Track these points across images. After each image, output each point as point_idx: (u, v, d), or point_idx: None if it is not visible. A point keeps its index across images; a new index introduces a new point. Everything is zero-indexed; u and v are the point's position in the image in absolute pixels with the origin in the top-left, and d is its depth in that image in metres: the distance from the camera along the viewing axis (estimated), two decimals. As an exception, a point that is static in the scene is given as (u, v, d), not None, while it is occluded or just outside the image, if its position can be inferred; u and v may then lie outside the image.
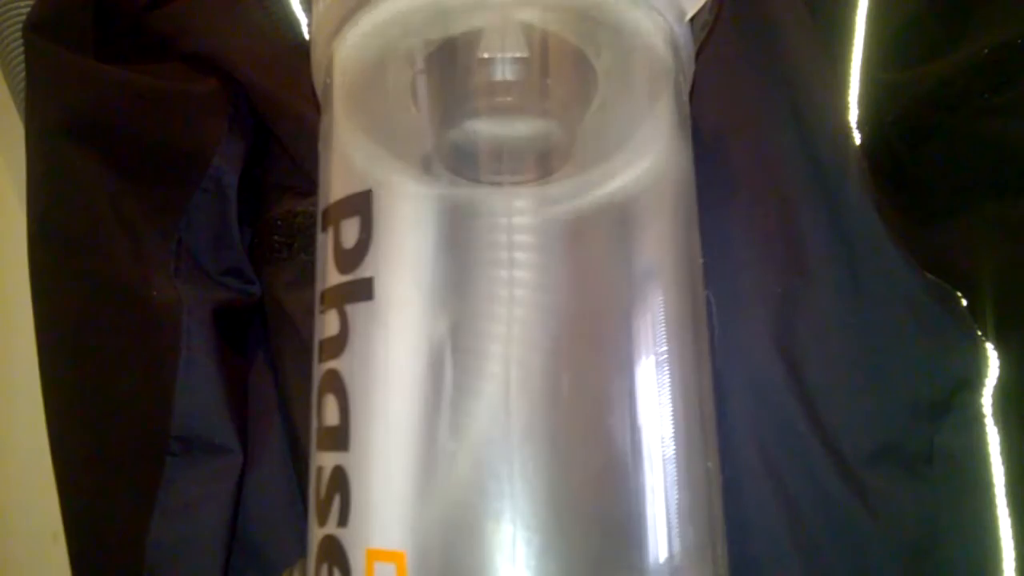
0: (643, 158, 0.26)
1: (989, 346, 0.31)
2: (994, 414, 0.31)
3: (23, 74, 0.38)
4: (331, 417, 0.24)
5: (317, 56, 0.29)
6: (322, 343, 0.25)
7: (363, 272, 0.24)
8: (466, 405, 0.22)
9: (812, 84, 0.34)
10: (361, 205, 0.24)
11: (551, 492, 0.21)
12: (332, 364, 0.24)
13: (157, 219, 0.35)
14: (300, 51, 0.31)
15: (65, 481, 0.33)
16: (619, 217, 0.25)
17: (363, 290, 0.24)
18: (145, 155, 0.36)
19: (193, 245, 0.36)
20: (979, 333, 0.31)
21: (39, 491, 0.38)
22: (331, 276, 0.25)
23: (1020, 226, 0.31)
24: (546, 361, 0.23)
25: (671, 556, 0.22)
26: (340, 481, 0.23)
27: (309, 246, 0.35)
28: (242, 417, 0.35)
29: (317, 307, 0.26)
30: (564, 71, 0.26)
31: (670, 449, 0.23)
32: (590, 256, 0.24)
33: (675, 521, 0.23)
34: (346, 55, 0.27)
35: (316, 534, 0.24)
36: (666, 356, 0.24)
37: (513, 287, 0.23)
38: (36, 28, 0.36)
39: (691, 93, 0.29)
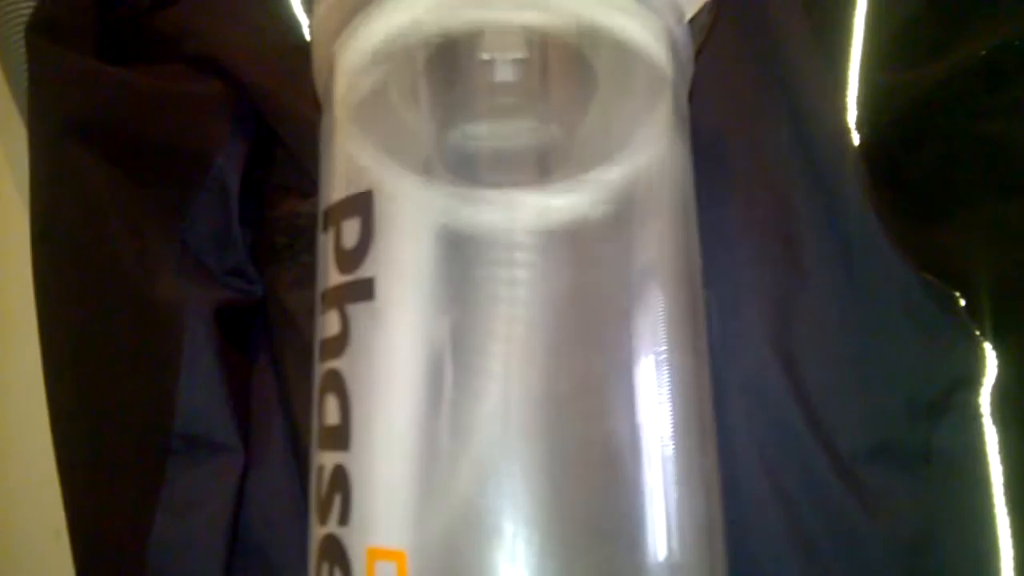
0: (642, 159, 0.26)
1: (987, 345, 0.31)
2: (992, 413, 0.31)
3: (26, 75, 0.38)
4: (332, 416, 0.24)
5: (318, 57, 0.29)
6: (323, 343, 0.25)
7: (364, 272, 0.24)
8: (466, 404, 0.22)
9: (810, 85, 0.34)
10: (362, 206, 0.24)
11: (551, 491, 0.22)
12: (333, 364, 0.24)
13: (160, 219, 0.36)
14: (301, 52, 0.31)
15: (68, 479, 0.34)
16: (618, 218, 0.25)
17: (364, 290, 0.24)
18: (148, 156, 0.36)
19: (196, 245, 0.36)
20: (977, 333, 0.32)
21: (42, 489, 0.38)
22: (332, 276, 0.25)
23: (1017, 226, 0.31)
24: (546, 360, 0.23)
25: (670, 554, 0.22)
26: (341, 480, 0.23)
27: (311, 247, 0.35)
28: (244, 416, 0.35)
29: (318, 307, 0.26)
30: (563, 73, 0.26)
31: (669, 448, 0.23)
32: (590, 257, 0.24)
33: (674, 520, 0.23)
34: (347, 56, 0.27)
35: (317, 533, 0.24)
36: (665, 356, 0.24)
37: (513, 287, 0.23)
38: (38, 29, 0.37)
39: (690, 94, 0.30)
